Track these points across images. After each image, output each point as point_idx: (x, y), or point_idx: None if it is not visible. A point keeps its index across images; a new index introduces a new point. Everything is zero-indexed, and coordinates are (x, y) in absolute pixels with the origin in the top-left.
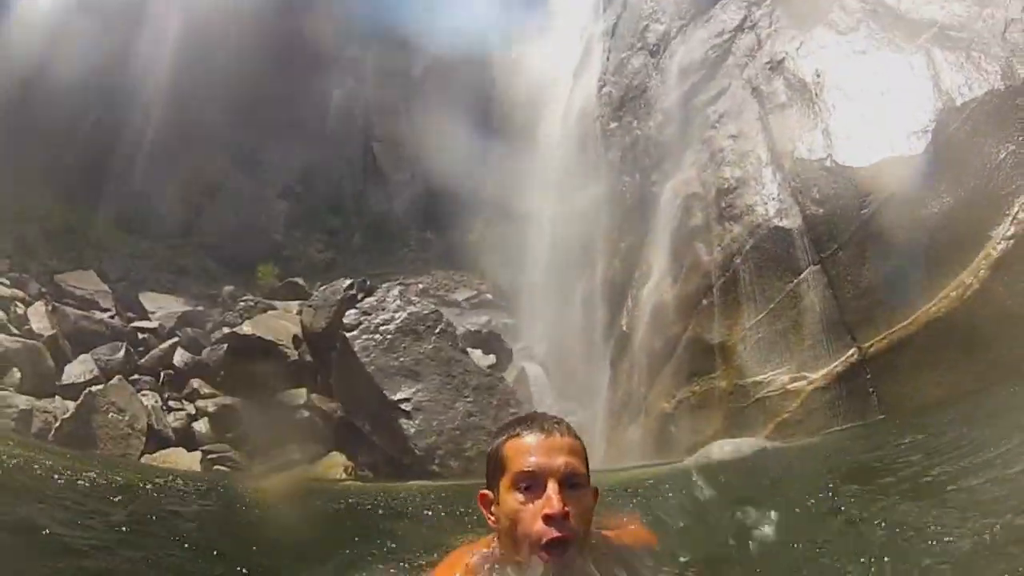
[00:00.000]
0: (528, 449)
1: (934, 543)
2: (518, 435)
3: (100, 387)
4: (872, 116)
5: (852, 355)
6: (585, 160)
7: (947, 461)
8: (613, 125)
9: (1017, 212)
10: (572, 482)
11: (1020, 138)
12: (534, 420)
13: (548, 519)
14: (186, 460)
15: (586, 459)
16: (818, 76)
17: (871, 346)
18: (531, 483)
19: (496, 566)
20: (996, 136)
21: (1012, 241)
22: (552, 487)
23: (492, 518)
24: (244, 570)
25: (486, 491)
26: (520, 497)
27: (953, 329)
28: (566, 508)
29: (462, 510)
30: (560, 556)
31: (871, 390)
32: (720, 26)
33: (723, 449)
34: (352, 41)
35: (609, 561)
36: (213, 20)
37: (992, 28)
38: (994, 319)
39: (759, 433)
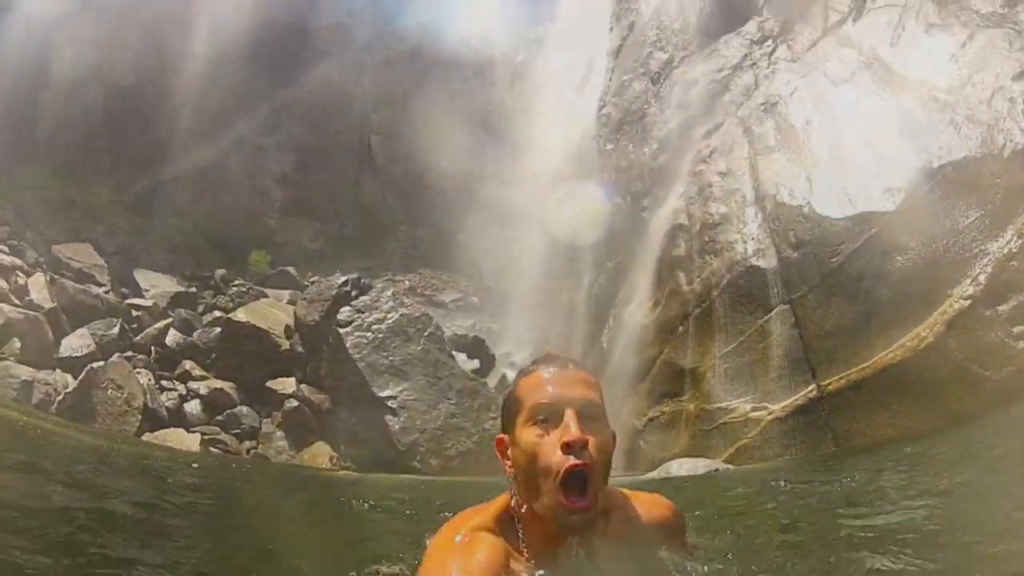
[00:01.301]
0: (544, 382)
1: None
2: (533, 371)
3: (101, 364)
4: (853, 169)
5: (812, 391)
6: (579, 174)
7: (876, 501)
8: (609, 146)
9: (978, 275)
10: (589, 413)
11: (988, 205)
12: (548, 357)
13: (567, 447)
14: (186, 441)
15: (602, 395)
16: (807, 123)
17: (829, 384)
18: (548, 414)
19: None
20: (966, 200)
21: (969, 301)
22: (570, 414)
23: (508, 463)
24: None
25: (503, 435)
26: (537, 431)
27: (906, 376)
28: (585, 436)
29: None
30: (581, 498)
31: (826, 424)
32: (721, 62)
33: (681, 467)
34: (356, 33)
35: (628, 531)
36: (219, 6)
37: (980, 94)
38: (945, 371)
39: (720, 455)
